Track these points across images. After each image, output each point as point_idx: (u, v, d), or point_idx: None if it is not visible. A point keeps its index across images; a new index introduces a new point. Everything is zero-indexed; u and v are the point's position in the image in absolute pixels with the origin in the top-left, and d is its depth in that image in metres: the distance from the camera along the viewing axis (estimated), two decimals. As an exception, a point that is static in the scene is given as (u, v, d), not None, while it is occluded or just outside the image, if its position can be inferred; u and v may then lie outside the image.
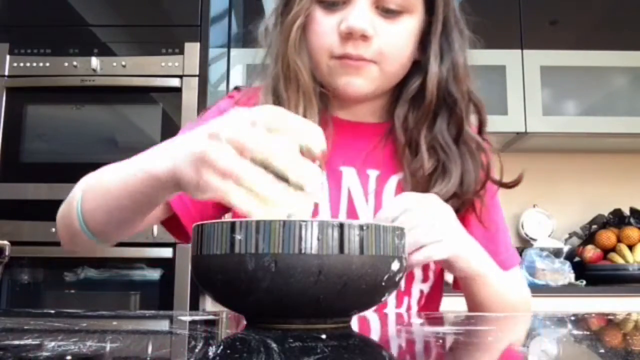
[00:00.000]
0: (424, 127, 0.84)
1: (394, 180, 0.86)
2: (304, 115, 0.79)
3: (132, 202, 0.68)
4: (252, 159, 0.51)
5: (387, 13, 0.80)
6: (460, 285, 0.82)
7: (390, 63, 0.81)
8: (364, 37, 0.78)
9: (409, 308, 0.86)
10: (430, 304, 0.89)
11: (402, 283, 0.84)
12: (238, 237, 0.46)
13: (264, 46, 0.88)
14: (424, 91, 0.83)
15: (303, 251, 0.45)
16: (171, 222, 0.85)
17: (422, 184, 0.83)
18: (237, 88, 0.94)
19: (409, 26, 0.81)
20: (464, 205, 0.83)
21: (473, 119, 0.87)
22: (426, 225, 0.71)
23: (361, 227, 0.47)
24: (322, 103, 0.84)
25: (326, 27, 0.80)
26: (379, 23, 0.79)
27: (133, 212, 0.70)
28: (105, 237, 0.76)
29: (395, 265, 0.50)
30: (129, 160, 0.70)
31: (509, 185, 0.87)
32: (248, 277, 0.46)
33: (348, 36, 0.78)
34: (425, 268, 0.86)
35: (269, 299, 0.47)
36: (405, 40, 0.81)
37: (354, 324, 0.58)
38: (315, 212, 0.82)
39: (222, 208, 0.83)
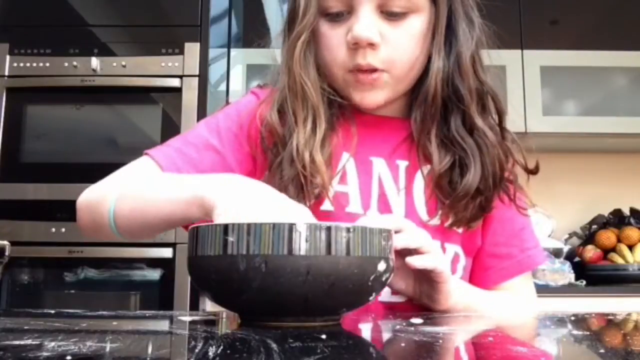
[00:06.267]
0: (433, 124, 0.84)
1: (423, 172, 0.86)
2: (313, 129, 0.81)
3: (168, 221, 0.74)
4: None
5: (393, 16, 0.79)
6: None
7: (400, 67, 0.81)
8: (372, 45, 0.78)
9: None
10: None
11: None
12: (230, 238, 0.49)
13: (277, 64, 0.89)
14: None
15: (292, 252, 0.48)
16: None
17: (445, 183, 0.83)
18: (259, 86, 0.94)
19: (416, 26, 0.81)
20: (489, 201, 0.84)
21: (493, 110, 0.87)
22: (425, 236, 0.72)
23: (348, 230, 0.49)
24: (339, 105, 0.85)
25: (334, 40, 0.81)
26: (385, 28, 0.79)
27: (167, 225, 0.76)
28: (131, 237, 0.81)
29: (381, 266, 0.52)
30: (171, 180, 0.76)
31: (532, 171, 0.88)
32: (240, 277, 0.48)
33: (356, 46, 0.79)
34: (454, 261, 0.85)
35: (260, 298, 0.49)
36: (413, 42, 0.81)
37: (355, 324, 0.58)
38: (346, 200, 0.83)
39: None
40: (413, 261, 0.70)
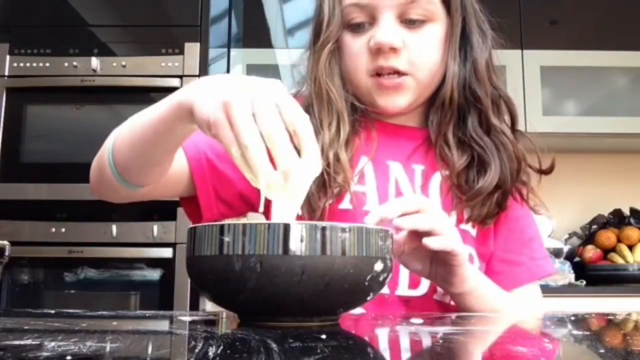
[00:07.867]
0: (449, 126, 0.87)
1: (438, 176, 0.88)
2: (337, 131, 0.84)
3: (153, 131, 0.70)
4: (260, 128, 0.54)
5: (412, 24, 0.84)
6: (456, 303, 0.81)
7: (422, 72, 0.85)
8: (394, 50, 0.82)
9: None
10: None
11: None
12: (226, 239, 0.49)
13: (303, 79, 0.91)
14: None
15: (287, 252, 0.48)
16: (190, 207, 0.88)
17: (462, 181, 0.85)
18: None
19: (434, 33, 0.85)
20: (505, 196, 0.86)
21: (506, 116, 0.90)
22: (441, 217, 0.73)
23: (343, 229, 0.49)
24: (362, 112, 0.88)
25: (357, 47, 0.85)
26: (406, 35, 0.83)
27: (152, 143, 0.72)
28: (128, 174, 0.77)
29: (378, 266, 0.51)
30: (154, 105, 0.72)
31: (545, 172, 0.91)
32: (236, 277, 0.49)
33: (378, 52, 0.82)
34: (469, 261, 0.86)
35: (256, 298, 0.49)
36: (432, 48, 0.85)
37: (355, 324, 0.58)
38: (364, 200, 0.84)
39: (243, 208, 0.87)
40: (430, 242, 0.71)
